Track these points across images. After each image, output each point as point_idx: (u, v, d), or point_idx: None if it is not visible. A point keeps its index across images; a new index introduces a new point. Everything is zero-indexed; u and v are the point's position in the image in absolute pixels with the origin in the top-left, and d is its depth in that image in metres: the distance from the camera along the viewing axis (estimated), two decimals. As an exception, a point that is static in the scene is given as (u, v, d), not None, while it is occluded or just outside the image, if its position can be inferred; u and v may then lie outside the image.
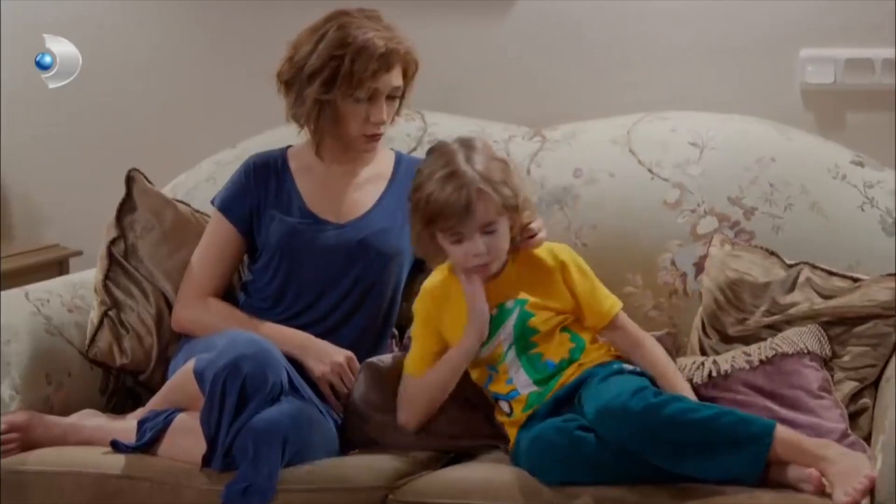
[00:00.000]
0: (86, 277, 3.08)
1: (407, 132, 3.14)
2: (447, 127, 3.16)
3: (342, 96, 2.79)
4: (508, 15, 3.35)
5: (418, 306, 2.70)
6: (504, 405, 2.62)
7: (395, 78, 2.82)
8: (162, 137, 3.60)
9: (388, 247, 2.86)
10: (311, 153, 2.91)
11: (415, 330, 2.71)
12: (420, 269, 2.92)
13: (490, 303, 2.62)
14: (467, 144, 2.62)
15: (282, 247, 2.82)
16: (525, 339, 2.62)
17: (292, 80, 2.82)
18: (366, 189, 2.91)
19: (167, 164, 3.34)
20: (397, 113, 2.90)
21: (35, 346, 2.81)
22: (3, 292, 2.94)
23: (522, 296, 2.64)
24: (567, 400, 2.55)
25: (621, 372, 2.57)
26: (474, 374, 2.67)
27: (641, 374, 2.59)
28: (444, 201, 2.54)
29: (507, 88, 3.35)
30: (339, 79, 2.77)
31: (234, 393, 2.49)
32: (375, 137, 2.85)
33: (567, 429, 2.43)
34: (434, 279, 2.71)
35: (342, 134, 2.86)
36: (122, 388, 3.00)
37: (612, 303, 2.66)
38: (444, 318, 2.66)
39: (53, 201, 3.73)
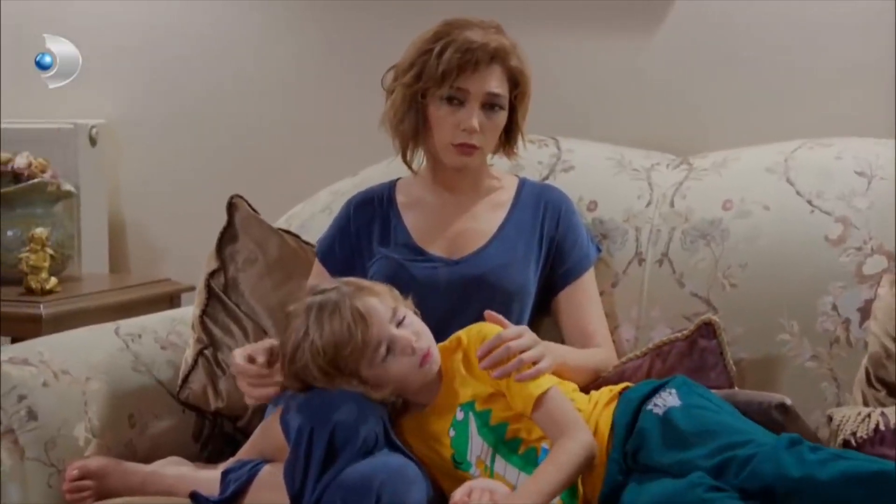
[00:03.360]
0: (185, 313, 2.86)
1: (539, 159, 2.86)
2: (583, 154, 2.87)
3: (429, 95, 2.53)
4: (657, 32, 3.05)
5: None
6: None
7: (491, 82, 2.52)
8: (283, 166, 3.41)
9: (508, 283, 2.56)
10: (421, 184, 2.65)
11: None
12: (546, 310, 2.63)
13: (443, 423, 2.33)
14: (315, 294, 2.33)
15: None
16: (501, 440, 2.30)
17: (391, 82, 2.59)
18: (483, 220, 2.62)
19: (288, 193, 3.14)
20: (511, 134, 2.61)
21: (118, 385, 2.59)
22: (92, 327, 2.74)
23: (465, 398, 2.32)
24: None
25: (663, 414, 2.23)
26: None
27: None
28: (337, 334, 2.25)
29: (652, 112, 3.05)
30: (424, 73, 2.51)
31: (322, 444, 2.22)
32: (467, 149, 2.55)
33: (696, 484, 2.10)
34: None
35: (430, 144, 2.59)
36: (219, 434, 2.75)
37: (535, 383, 2.29)
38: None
39: (169, 234, 3.56)
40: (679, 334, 2.55)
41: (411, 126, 2.57)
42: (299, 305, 2.32)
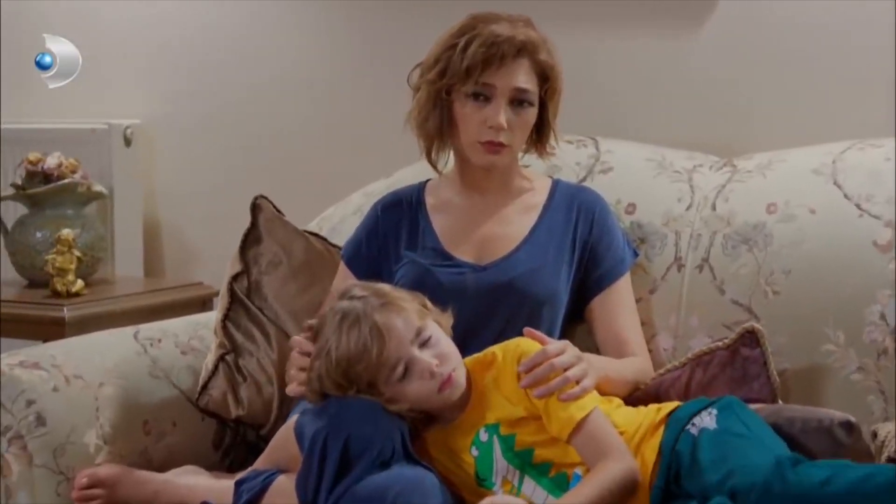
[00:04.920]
0: (210, 317, 2.77)
1: (577, 160, 2.75)
2: (622, 154, 2.76)
3: (455, 92, 2.43)
4: (701, 30, 2.93)
5: None
6: None
7: (519, 77, 2.41)
8: (320, 168, 3.33)
9: (538, 289, 2.45)
10: (450, 186, 2.56)
11: None
12: (580, 317, 2.52)
13: (465, 439, 2.22)
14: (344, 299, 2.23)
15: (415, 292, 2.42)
16: (528, 463, 2.18)
17: (417, 79, 2.49)
18: (514, 224, 2.51)
19: (324, 194, 3.05)
20: (543, 132, 2.50)
21: (133, 391, 2.51)
22: (111, 331, 2.67)
23: (491, 419, 2.20)
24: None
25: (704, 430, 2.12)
26: None
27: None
28: (352, 348, 2.15)
29: (696, 112, 2.92)
30: (449, 69, 2.41)
31: (336, 454, 2.11)
32: (494, 147, 2.44)
33: None
34: None
35: (457, 144, 2.49)
36: (241, 442, 2.66)
37: (578, 405, 2.16)
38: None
39: (205, 237, 3.49)
40: (720, 343, 2.43)
41: (436, 124, 2.47)
42: (329, 309, 2.23)
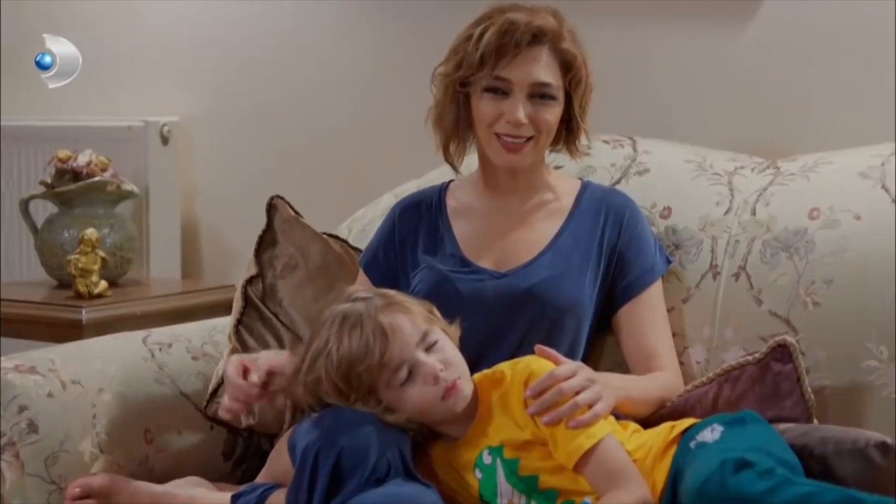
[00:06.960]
0: (227, 322, 2.65)
1: (612, 161, 2.61)
2: (661, 155, 2.62)
3: (471, 85, 2.31)
4: (747, 28, 2.79)
5: None
6: None
7: (537, 70, 2.28)
8: (359, 167, 3.24)
9: (559, 298, 2.31)
10: (472, 188, 2.44)
11: None
12: (606, 328, 2.38)
13: (468, 459, 2.10)
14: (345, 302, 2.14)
15: (432, 299, 2.28)
16: (534, 489, 2.05)
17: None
18: (538, 229, 2.38)
19: (363, 195, 2.94)
20: (572, 130, 2.37)
21: (135, 398, 2.41)
22: (120, 334, 2.59)
23: (495, 441, 2.08)
24: None
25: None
26: None
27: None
28: (354, 349, 2.05)
29: (739, 110, 2.79)
30: (464, 61, 2.30)
31: (327, 468, 2.01)
32: (510, 144, 2.31)
33: None
34: None
35: (478, 143, 2.36)
36: (255, 453, 2.56)
37: (587, 433, 2.03)
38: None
39: (243, 237, 3.35)
40: (750, 357, 2.27)
41: (452, 120, 2.35)
42: (328, 312, 2.12)
